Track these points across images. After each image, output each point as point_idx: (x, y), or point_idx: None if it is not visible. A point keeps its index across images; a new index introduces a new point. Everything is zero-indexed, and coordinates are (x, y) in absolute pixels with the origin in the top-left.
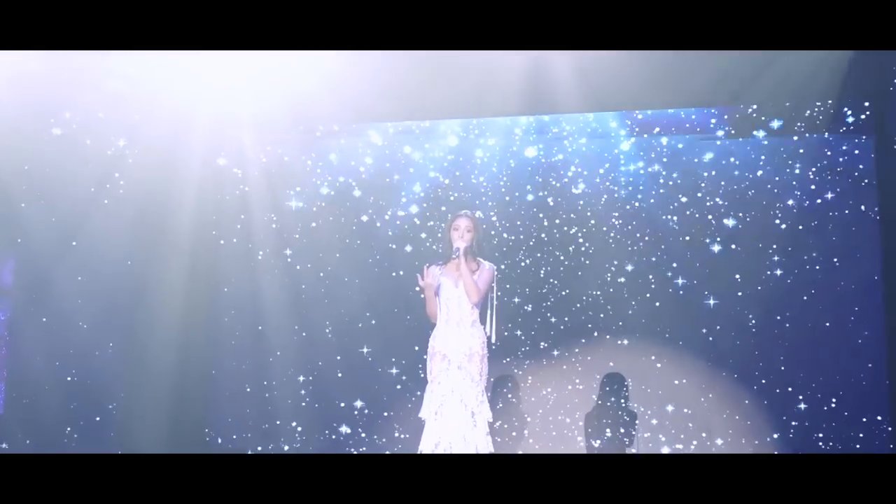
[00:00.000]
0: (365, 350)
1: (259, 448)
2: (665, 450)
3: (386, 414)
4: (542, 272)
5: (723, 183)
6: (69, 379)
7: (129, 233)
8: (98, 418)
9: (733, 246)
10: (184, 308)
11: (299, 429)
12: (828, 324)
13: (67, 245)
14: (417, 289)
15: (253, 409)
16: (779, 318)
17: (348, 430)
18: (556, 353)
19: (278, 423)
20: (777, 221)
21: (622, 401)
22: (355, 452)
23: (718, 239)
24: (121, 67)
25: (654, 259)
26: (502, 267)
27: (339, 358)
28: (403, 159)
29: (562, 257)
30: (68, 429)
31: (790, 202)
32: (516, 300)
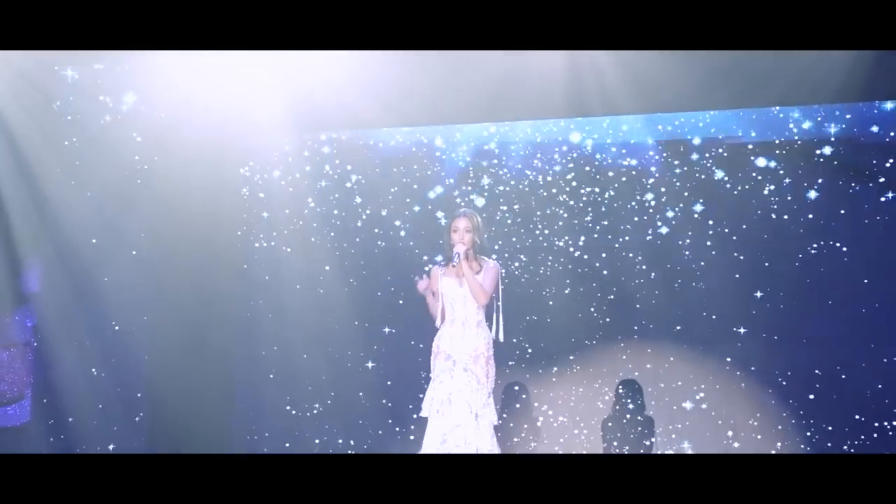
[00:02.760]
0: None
1: (287, 445)
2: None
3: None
4: (552, 275)
5: (747, 187)
6: (96, 384)
7: (153, 235)
8: (125, 423)
9: (750, 248)
10: (208, 309)
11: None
12: (846, 323)
13: (94, 251)
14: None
15: (277, 410)
16: (798, 318)
17: (379, 432)
18: (568, 357)
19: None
20: (801, 220)
21: (638, 408)
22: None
23: (734, 239)
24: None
25: (670, 262)
26: (510, 264)
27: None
28: (427, 161)
29: (570, 261)
30: (94, 423)
31: (814, 201)
32: (525, 304)
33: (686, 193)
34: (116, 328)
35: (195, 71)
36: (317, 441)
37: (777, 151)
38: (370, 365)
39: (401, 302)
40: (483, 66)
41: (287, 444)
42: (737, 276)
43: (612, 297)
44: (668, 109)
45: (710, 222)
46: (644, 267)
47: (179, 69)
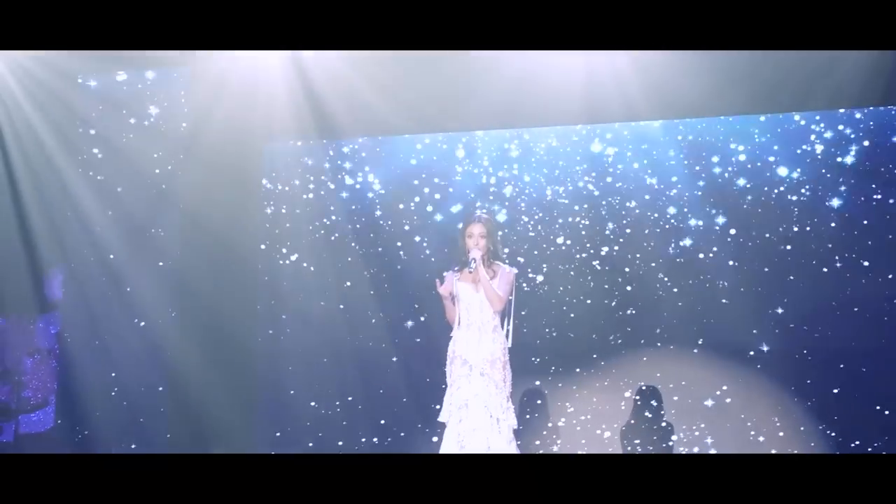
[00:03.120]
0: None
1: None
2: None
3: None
4: (573, 286)
5: (767, 190)
6: (118, 390)
7: (178, 243)
8: (148, 428)
9: (773, 259)
10: (231, 318)
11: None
12: (870, 329)
13: (117, 260)
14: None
15: (301, 412)
16: (822, 328)
17: (402, 434)
18: (589, 363)
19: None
20: (823, 230)
21: (659, 414)
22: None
23: (757, 251)
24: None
25: (692, 274)
26: (531, 275)
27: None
28: (448, 172)
29: (592, 273)
30: (116, 427)
31: (837, 211)
32: (546, 314)
33: (708, 207)
34: (140, 330)
35: (216, 82)
36: (340, 443)
37: (799, 161)
38: (394, 359)
39: (423, 319)
40: (502, 71)
41: (311, 444)
42: (759, 288)
43: (633, 310)
44: (688, 114)
45: (732, 231)
46: (666, 279)
47: (200, 80)
